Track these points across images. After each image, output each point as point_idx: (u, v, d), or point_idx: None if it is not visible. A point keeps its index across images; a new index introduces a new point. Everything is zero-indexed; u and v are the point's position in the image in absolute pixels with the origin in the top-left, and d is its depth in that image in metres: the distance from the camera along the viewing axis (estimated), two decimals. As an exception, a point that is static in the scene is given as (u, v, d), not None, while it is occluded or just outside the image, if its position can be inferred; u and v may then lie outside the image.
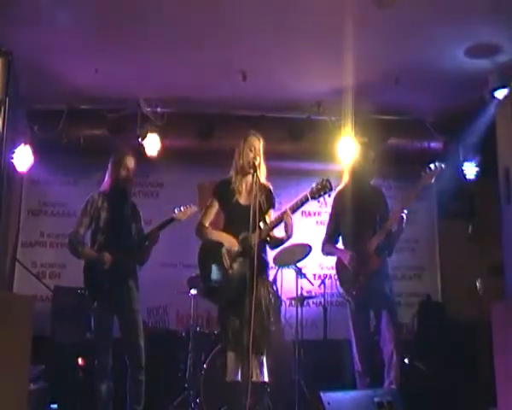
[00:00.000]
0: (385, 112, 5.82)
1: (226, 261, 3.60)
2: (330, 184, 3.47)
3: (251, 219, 3.38)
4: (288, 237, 3.59)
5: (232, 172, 3.77)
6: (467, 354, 5.06)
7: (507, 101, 4.83)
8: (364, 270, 4.18)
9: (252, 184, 3.56)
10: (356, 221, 4.28)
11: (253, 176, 3.56)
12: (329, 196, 3.63)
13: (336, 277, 4.42)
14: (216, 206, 3.78)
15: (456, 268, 6.35)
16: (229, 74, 5.05)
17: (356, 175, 4.42)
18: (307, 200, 3.48)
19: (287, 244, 3.84)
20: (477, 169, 5.65)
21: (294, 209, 3.50)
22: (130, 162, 4.24)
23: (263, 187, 3.68)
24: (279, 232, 3.63)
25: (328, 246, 4.50)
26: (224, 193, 3.75)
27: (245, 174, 3.70)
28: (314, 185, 3.48)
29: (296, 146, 5.84)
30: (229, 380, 3.55)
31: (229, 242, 3.61)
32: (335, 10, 4.09)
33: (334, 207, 4.50)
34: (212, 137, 5.76)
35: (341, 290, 4.32)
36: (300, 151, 5.90)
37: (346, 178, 4.48)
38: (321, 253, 4.62)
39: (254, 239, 3.43)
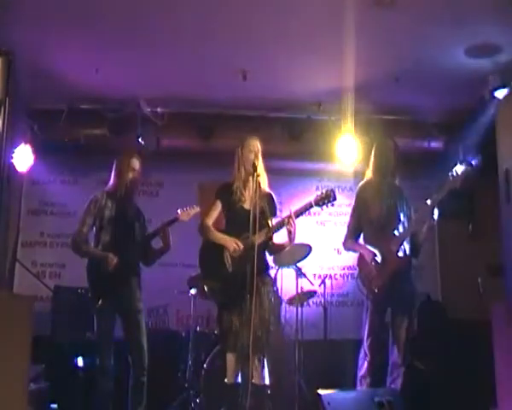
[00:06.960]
0: (385, 112, 5.81)
1: (228, 261, 3.61)
2: (334, 194, 3.56)
3: (251, 221, 3.40)
4: (291, 243, 3.60)
5: (234, 178, 3.77)
6: (467, 353, 5.05)
7: (507, 101, 4.83)
8: (386, 269, 4.10)
9: (254, 189, 3.58)
10: (378, 219, 4.21)
11: (253, 176, 3.57)
12: (332, 205, 3.69)
13: (357, 274, 4.31)
14: (219, 207, 3.79)
15: (456, 268, 6.35)
16: (229, 74, 5.05)
17: (379, 172, 4.33)
18: (311, 206, 3.57)
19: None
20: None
21: (298, 214, 3.53)
22: (136, 164, 4.27)
23: (266, 194, 3.69)
24: (280, 238, 3.64)
25: (350, 242, 4.38)
26: (227, 197, 3.75)
27: (247, 179, 3.69)
28: (319, 194, 3.55)
29: (296, 146, 5.84)
30: (228, 382, 3.55)
31: (232, 243, 3.61)
32: (335, 10, 4.09)
33: (356, 202, 4.39)
34: (212, 137, 5.76)
35: (362, 287, 4.22)
36: (300, 151, 5.89)
37: (368, 174, 4.41)
38: (342, 247, 4.51)
39: (256, 240, 3.43)
